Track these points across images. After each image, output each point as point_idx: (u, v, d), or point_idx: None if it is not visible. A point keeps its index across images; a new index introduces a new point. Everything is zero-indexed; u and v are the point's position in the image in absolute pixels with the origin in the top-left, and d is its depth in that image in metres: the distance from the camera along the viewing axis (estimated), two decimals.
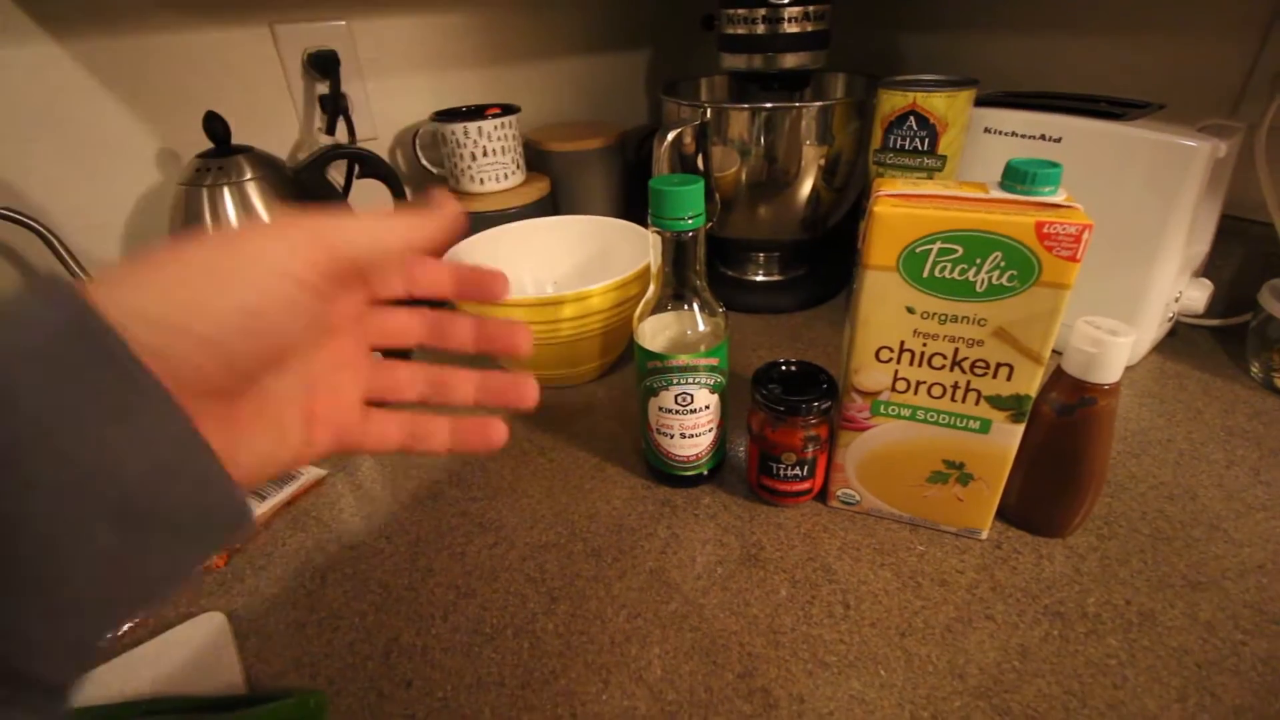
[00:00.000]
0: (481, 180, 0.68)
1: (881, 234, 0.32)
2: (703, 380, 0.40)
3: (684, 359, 0.39)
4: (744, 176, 0.62)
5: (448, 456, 0.48)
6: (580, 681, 0.33)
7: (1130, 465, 0.44)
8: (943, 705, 0.31)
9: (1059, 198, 0.31)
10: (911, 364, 0.35)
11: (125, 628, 0.37)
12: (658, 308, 0.40)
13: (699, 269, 0.38)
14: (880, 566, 0.38)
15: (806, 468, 0.40)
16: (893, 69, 0.75)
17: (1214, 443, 0.46)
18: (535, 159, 0.76)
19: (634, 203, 0.81)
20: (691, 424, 0.41)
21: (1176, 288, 0.52)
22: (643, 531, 0.42)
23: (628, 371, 0.59)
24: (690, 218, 0.36)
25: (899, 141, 0.53)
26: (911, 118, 0.51)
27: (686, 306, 0.39)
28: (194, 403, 0.17)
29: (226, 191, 0.52)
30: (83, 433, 0.15)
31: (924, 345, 0.34)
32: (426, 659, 0.35)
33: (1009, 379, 0.33)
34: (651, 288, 0.40)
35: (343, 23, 0.66)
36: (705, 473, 0.44)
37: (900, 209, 0.31)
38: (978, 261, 0.31)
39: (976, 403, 0.35)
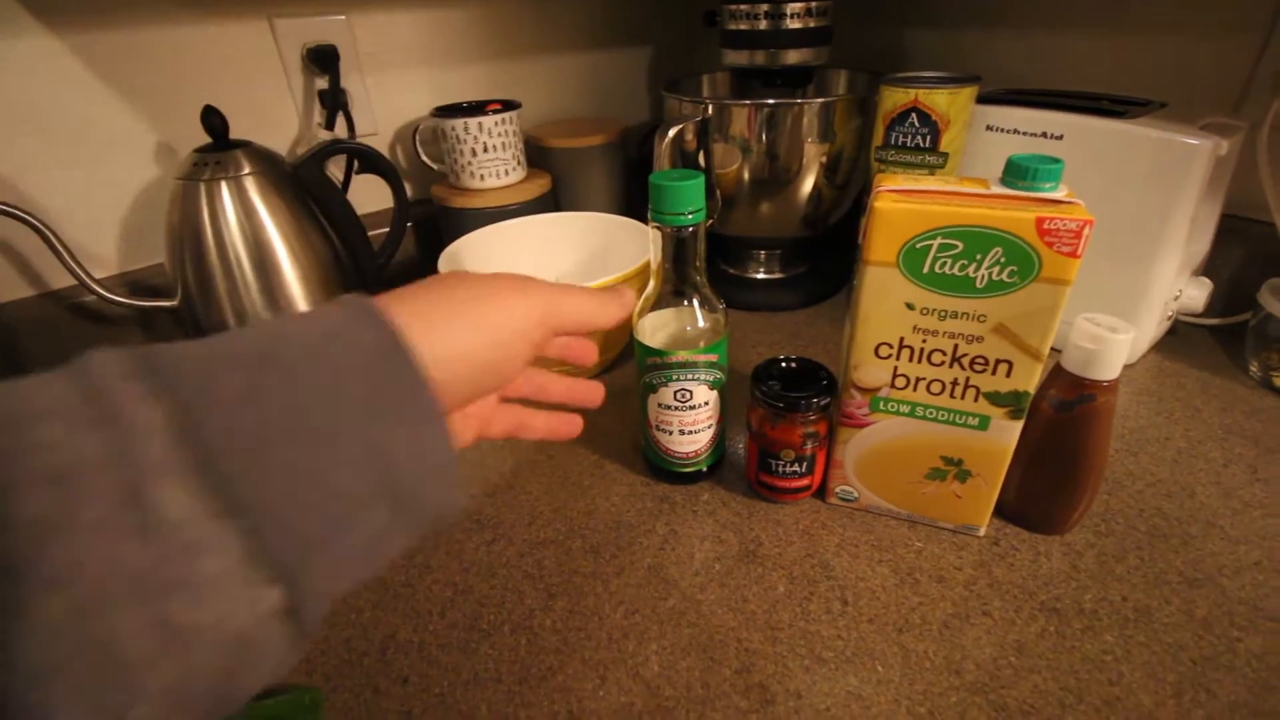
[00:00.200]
0: (482, 176, 0.68)
1: (882, 229, 0.32)
2: (702, 376, 0.40)
3: (683, 355, 0.39)
4: (745, 173, 0.62)
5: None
6: (577, 677, 0.33)
7: (1128, 462, 0.44)
8: (939, 701, 0.31)
9: (1060, 193, 0.30)
10: (911, 360, 0.35)
11: None
12: (658, 304, 0.40)
13: (699, 265, 0.38)
14: (878, 563, 0.38)
15: (805, 464, 0.40)
16: (895, 66, 0.75)
17: (1212, 441, 0.46)
18: (536, 155, 0.75)
19: (635, 200, 0.81)
20: (691, 420, 0.41)
21: (1176, 286, 0.52)
22: (641, 528, 0.42)
23: (627, 368, 0.59)
24: (690, 213, 0.35)
25: (901, 138, 0.52)
26: (913, 115, 0.51)
27: (686, 303, 0.39)
28: None
29: (224, 186, 0.52)
30: (387, 431, 0.18)
31: (923, 341, 0.34)
32: (423, 655, 0.35)
33: (1008, 375, 0.33)
34: (651, 284, 0.40)
35: (342, 17, 0.66)
36: (704, 469, 0.44)
37: (901, 204, 0.31)
38: (978, 257, 0.31)
39: (975, 399, 0.35)
